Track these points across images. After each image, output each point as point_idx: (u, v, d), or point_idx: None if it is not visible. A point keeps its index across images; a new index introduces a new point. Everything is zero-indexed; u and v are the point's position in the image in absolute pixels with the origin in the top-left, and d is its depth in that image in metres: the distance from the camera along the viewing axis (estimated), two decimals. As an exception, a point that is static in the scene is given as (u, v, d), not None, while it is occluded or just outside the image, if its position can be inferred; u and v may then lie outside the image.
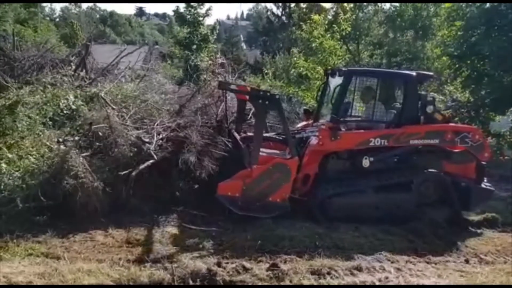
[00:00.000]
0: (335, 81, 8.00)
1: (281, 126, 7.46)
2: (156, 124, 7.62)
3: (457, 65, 13.79)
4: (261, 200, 6.87)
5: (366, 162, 7.26)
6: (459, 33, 13.71)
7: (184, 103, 8.40)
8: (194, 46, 17.14)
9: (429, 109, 7.61)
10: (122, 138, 6.86)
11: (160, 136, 7.35)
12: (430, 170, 7.51)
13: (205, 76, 11.46)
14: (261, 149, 7.22)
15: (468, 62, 13.02)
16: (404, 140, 7.39)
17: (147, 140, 7.20)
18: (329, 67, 9.09)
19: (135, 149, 7.00)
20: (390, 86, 8.15)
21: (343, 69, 7.67)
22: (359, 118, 7.87)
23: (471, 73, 12.68)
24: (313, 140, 7.44)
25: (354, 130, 7.55)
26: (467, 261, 6.28)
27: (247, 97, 7.29)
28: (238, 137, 7.89)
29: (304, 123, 8.52)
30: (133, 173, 6.70)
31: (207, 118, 8.40)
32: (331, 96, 8.05)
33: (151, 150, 6.97)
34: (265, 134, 7.79)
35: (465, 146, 7.62)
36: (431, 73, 9.52)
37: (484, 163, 7.83)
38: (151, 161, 6.95)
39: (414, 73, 7.92)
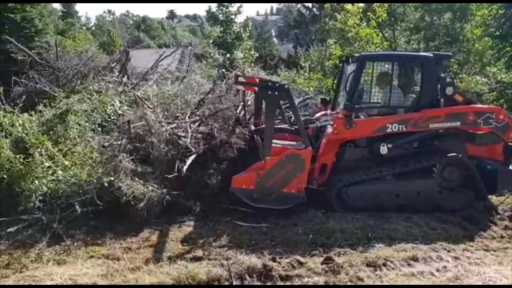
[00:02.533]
0: (350, 68, 7.86)
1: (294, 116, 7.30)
2: (187, 115, 7.72)
3: (500, 45, 13.32)
4: (276, 191, 6.79)
5: (384, 149, 7.07)
6: (500, 11, 13.25)
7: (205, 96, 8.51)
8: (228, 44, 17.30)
9: (449, 90, 7.30)
10: (159, 135, 6.97)
11: (193, 129, 7.46)
12: (453, 154, 7.22)
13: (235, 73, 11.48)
14: (276, 141, 7.18)
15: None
16: (423, 125, 7.16)
17: (182, 134, 7.31)
18: (343, 55, 8.79)
19: (171, 146, 7.11)
20: (406, 69, 7.90)
21: (356, 55, 7.49)
22: (377, 104, 7.63)
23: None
24: (329, 129, 7.33)
25: (373, 117, 7.36)
26: (528, 248, 6.09)
27: (256, 88, 7.23)
28: (252, 129, 7.89)
29: (322, 112, 8.39)
30: (184, 168, 6.78)
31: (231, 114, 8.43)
32: (346, 83, 7.85)
33: (188, 143, 7.05)
34: (280, 126, 7.74)
35: (489, 127, 7.31)
36: (449, 53, 9.20)
37: (511, 144, 7.46)
38: (194, 155, 7.04)
39: (431, 54, 7.64)
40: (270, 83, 7.03)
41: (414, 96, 7.52)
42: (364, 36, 13.37)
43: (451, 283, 4.95)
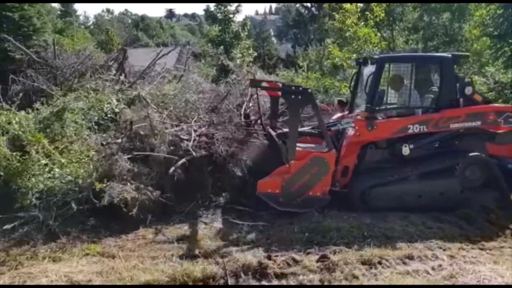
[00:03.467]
0: (368, 70, 7.87)
1: (316, 119, 7.35)
2: (193, 120, 7.72)
3: (498, 45, 13.31)
4: (302, 195, 6.84)
5: (406, 150, 7.10)
6: (498, 11, 13.25)
7: (218, 103, 8.48)
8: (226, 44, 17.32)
9: (468, 90, 7.34)
10: (162, 136, 6.98)
11: (197, 133, 7.43)
12: (474, 153, 7.26)
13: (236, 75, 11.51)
14: (298, 144, 7.16)
15: (510, 40, 12.53)
16: (444, 125, 7.20)
17: (185, 137, 7.31)
18: (360, 57, 8.82)
19: (173, 147, 7.13)
20: (425, 70, 7.91)
21: (375, 56, 7.51)
22: (396, 106, 7.67)
23: (513, 53, 12.21)
24: (350, 132, 7.35)
25: (392, 118, 7.37)
26: (524, 247, 6.11)
27: (279, 93, 7.26)
28: (273, 133, 7.88)
29: (340, 114, 8.40)
30: (170, 171, 6.81)
31: (238, 115, 8.43)
32: (365, 85, 7.89)
33: (189, 147, 7.06)
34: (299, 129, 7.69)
35: (509, 126, 7.37)
36: (467, 53, 9.18)
37: None
38: (185, 158, 7.05)
39: (449, 55, 7.65)
40: (293, 88, 7.06)
41: (433, 96, 7.55)
42: (362, 36, 13.38)
43: (446, 282, 4.95)
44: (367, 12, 14.45)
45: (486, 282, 4.85)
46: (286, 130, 7.58)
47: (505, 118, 7.34)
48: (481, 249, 5.95)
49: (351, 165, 7.28)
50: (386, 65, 7.53)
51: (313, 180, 6.86)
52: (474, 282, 4.86)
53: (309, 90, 7.10)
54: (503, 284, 4.83)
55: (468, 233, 6.41)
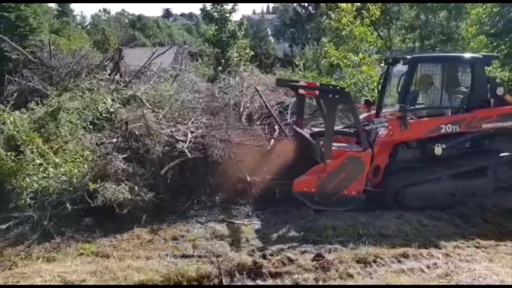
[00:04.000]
0: (397, 70, 7.95)
1: (353, 119, 7.38)
2: (190, 122, 7.71)
3: (494, 43, 13.34)
4: (337, 194, 6.83)
5: (438, 150, 7.10)
6: (494, 9, 13.28)
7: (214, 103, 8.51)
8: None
9: (499, 91, 7.40)
10: (157, 137, 6.98)
11: (194, 134, 7.42)
12: (506, 153, 7.31)
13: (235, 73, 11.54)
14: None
15: (506, 39, 12.57)
16: (476, 125, 7.25)
17: (181, 138, 7.30)
18: (389, 56, 8.88)
19: (169, 148, 7.12)
20: (456, 70, 7.93)
21: (408, 57, 7.50)
22: (426, 105, 7.69)
23: (510, 50, 12.22)
24: (383, 131, 7.37)
25: (423, 118, 7.41)
26: (519, 244, 6.10)
27: (317, 92, 7.29)
28: (303, 132, 7.92)
29: (366, 114, 8.39)
30: (162, 172, 6.82)
31: (237, 115, 8.45)
32: (396, 85, 7.87)
33: (184, 148, 7.05)
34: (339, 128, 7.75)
35: None
36: (496, 54, 9.23)
37: None
38: (179, 159, 7.06)
39: (480, 55, 7.73)
40: (330, 87, 7.08)
41: (464, 96, 7.57)
42: (358, 35, 13.37)
43: (441, 280, 4.94)
44: (363, 11, 14.44)
45: (481, 280, 4.83)
46: (316, 129, 7.67)
47: None
48: (477, 247, 5.94)
49: (382, 165, 7.28)
50: (419, 66, 7.55)
51: (349, 179, 6.85)
52: (469, 280, 4.85)
53: (346, 90, 7.14)
54: (498, 282, 4.82)
55: (463, 231, 6.40)
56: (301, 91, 7.87)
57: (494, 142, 7.45)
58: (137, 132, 7.22)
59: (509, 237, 6.30)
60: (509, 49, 12.82)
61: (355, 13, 14.04)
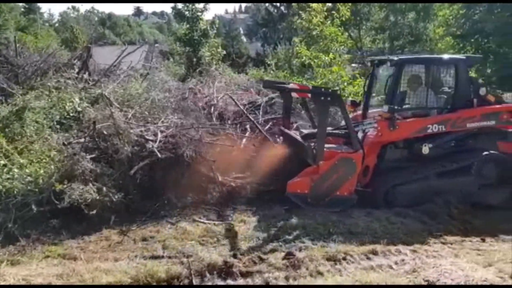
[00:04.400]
0: (383, 71, 8.18)
1: (344, 121, 7.47)
2: (160, 121, 7.62)
3: (460, 45, 13.70)
4: (329, 195, 6.94)
5: (425, 149, 7.28)
6: (461, 11, 13.62)
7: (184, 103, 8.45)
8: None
9: (482, 91, 7.66)
10: (126, 136, 6.87)
11: (164, 134, 7.34)
12: (490, 151, 7.55)
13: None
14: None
15: (472, 40, 12.92)
16: (461, 124, 7.47)
17: (150, 138, 7.21)
18: (375, 58, 9.11)
19: (138, 148, 7.02)
20: (441, 71, 8.14)
21: (394, 59, 7.68)
22: (413, 106, 7.86)
23: (475, 52, 12.57)
24: (371, 132, 7.52)
25: (409, 118, 7.58)
26: (483, 240, 6.29)
27: (309, 95, 7.49)
28: (292, 133, 8.01)
29: (352, 115, 8.50)
30: (131, 172, 6.73)
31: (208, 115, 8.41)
32: (383, 86, 8.11)
33: (154, 148, 6.97)
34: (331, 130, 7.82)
35: None
36: (479, 56, 9.56)
37: None
38: (149, 159, 6.96)
39: (463, 57, 7.98)
40: (322, 90, 7.23)
41: (449, 97, 7.78)
42: (329, 35, 13.51)
43: (408, 276, 5.03)
44: (333, 12, 14.61)
45: (447, 276, 4.93)
46: (305, 131, 7.78)
47: None
48: (443, 243, 6.10)
49: (371, 165, 7.42)
50: (406, 67, 7.72)
51: (341, 180, 6.96)
52: (435, 276, 4.95)
53: (338, 93, 7.29)
54: (463, 277, 4.93)
55: (430, 228, 6.55)
56: (293, 94, 7.93)
57: (478, 141, 7.71)
58: (105, 132, 7.07)
59: (474, 233, 6.50)
60: (475, 50, 13.17)
61: (325, 13, 14.17)
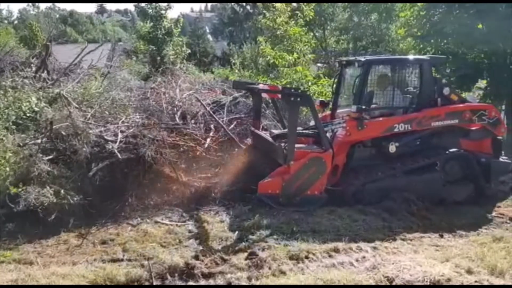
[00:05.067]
0: (351, 72, 8.33)
1: (314, 121, 7.62)
2: (121, 121, 7.48)
3: (421, 45, 13.97)
4: (300, 194, 7.01)
5: (392, 148, 7.46)
6: (421, 13, 13.89)
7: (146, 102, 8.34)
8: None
9: (446, 91, 7.90)
10: (85, 137, 6.70)
11: (125, 134, 7.20)
12: (454, 149, 7.79)
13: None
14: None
15: (432, 41, 13.20)
16: (426, 123, 7.66)
17: (110, 138, 7.06)
18: (342, 59, 9.25)
19: (98, 149, 6.87)
20: (407, 71, 8.31)
21: (362, 59, 7.81)
22: (379, 106, 8.00)
23: (435, 52, 12.86)
24: (340, 132, 7.62)
25: (376, 118, 7.74)
26: (441, 236, 6.44)
27: (279, 95, 7.68)
28: (262, 134, 8.03)
29: (321, 115, 8.54)
30: (90, 173, 6.61)
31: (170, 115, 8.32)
32: (352, 86, 8.17)
33: (114, 149, 6.83)
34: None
35: (482, 123, 7.97)
36: (443, 56, 9.84)
37: (500, 137, 8.22)
38: (108, 160, 6.86)
39: (427, 57, 8.23)
40: (292, 90, 7.32)
41: (414, 97, 7.97)
42: (293, 35, 13.60)
43: (368, 272, 5.11)
44: (297, 12, 14.71)
45: (406, 272, 5.02)
46: (276, 131, 7.89)
47: (479, 116, 7.95)
48: (403, 239, 6.21)
49: (340, 164, 7.52)
50: (372, 68, 7.86)
51: (311, 180, 7.04)
52: (394, 272, 5.03)
53: (308, 93, 7.27)
54: (421, 272, 5.03)
55: (390, 224, 6.67)
56: (264, 94, 8.05)
57: (442, 139, 7.93)
58: (63, 133, 6.88)
59: (433, 229, 6.65)
60: (435, 50, 13.47)
61: (289, 13, 14.25)
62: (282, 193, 6.92)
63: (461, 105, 7.99)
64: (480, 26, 11.96)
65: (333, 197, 7.28)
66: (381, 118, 7.72)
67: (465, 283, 4.77)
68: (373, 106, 7.83)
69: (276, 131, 7.92)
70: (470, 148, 8.06)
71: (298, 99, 7.04)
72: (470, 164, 7.86)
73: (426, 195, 7.45)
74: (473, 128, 8.09)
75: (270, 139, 7.66)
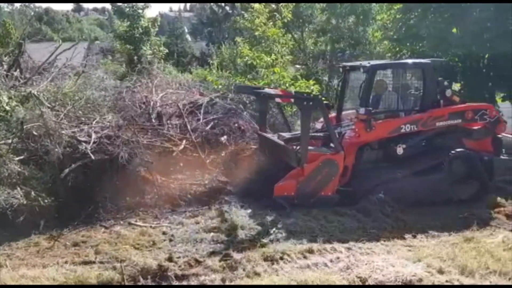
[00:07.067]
0: (354, 76, 8.57)
1: (324, 124, 7.80)
2: (95, 121, 7.36)
3: (397, 48, 14.15)
4: (314, 195, 7.18)
5: (400, 150, 7.66)
6: (397, 16, 14.06)
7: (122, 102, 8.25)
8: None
9: (448, 92, 8.15)
10: (57, 138, 6.58)
11: (98, 135, 7.09)
12: (458, 149, 7.92)
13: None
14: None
15: (407, 44, 13.38)
16: (431, 124, 7.85)
17: (83, 139, 6.95)
18: (346, 64, 9.48)
19: (71, 150, 6.75)
20: (409, 75, 8.58)
21: (367, 65, 8.01)
22: (386, 108, 8.21)
23: (411, 56, 13.04)
24: (349, 133, 7.83)
25: (381, 120, 7.88)
26: (414, 236, 6.51)
27: (292, 100, 8.04)
28: (273, 138, 8.18)
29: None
30: (62, 175, 6.51)
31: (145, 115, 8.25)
32: (355, 90, 8.38)
33: (88, 150, 6.73)
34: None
35: (484, 122, 8.19)
36: (444, 59, 10.07)
37: (500, 136, 8.46)
38: (81, 161, 6.75)
39: (429, 61, 8.46)
40: (305, 95, 7.62)
41: (418, 98, 8.20)
42: (271, 36, 13.62)
43: (342, 273, 5.14)
44: (275, 13, 14.74)
45: (379, 272, 5.08)
46: (287, 135, 7.97)
47: (481, 115, 8.18)
48: (376, 240, 6.26)
49: (350, 165, 7.67)
50: (378, 72, 8.11)
51: (325, 181, 7.25)
52: (368, 272, 5.07)
53: (319, 97, 7.67)
54: (393, 272, 5.08)
55: (365, 225, 6.72)
56: (277, 99, 8.26)
57: (446, 139, 8.10)
58: (35, 133, 6.73)
59: (406, 230, 6.70)
60: (410, 53, 13.65)
61: (268, 14, 14.25)
62: (297, 195, 7.09)
63: (463, 105, 8.23)
64: (454, 30, 12.18)
65: (344, 197, 7.43)
66: (387, 119, 7.94)
67: (436, 283, 4.86)
68: (381, 108, 8.09)
69: (287, 135, 8.06)
70: (474, 147, 8.26)
71: (310, 103, 7.36)
72: (474, 163, 8.03)
73: (434, 195, 7.61)
74: (475, 128, 8.32)
75: (281, 142, 7.81)
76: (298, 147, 7.37)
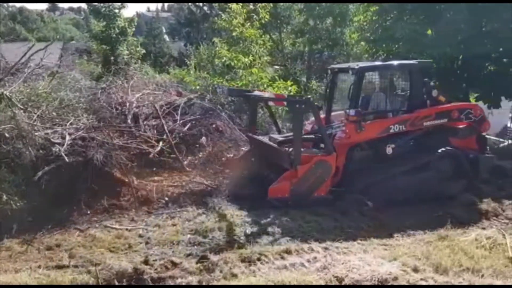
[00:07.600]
0: (343, 78, 8.75)
1: (315, 125, 8.02)
2: (68, 123, 7.23)
3: (373, 49, 14.28)
4: (308, 196, 7.29)
5: (389, 150, 7.79)
6: (374, 17, 14.20)
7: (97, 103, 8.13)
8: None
9: (435, 93, 8.32)
10: (30, 140, 6.44)
11: (73, 137, 6.97)
12: (445, 148, 8.08)
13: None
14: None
15: (384, 45, 13.51)
16: (419, 123, 8.02)
17: (57, 141, 6.82)
18: (334, 66, 9.66)
19: (44, 152, 6.62)
20: (397, 76, 8.74)
21: (355, 67, 8.08)
22: (374, 109, 8.32)
23: (386, 57, 13.19)
24: (339, 134, 7.91)
25: (369, 121, 7.97)
26: (390, 235, 6.59)
27: (285, 103, 8.22)
28: (264, 140, 8.21)
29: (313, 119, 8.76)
30: (36, 177, 6.40)
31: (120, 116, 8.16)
32: (344, 92, 8.49)
33: (61, 152, 6.61)
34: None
35: (469, 121, 8.40)
36: (429, 60, 10.21)
37: (484, 134, 8.69)
38: (55, 163, 6.65)
39: (416, 62, 8.65)
40: (297, 98, 7.71)
41: (405, 99, 8.35)
42: (249, 36, 13.61)
43: (319, 273, 5.15)
44: (253, 14, 14.73)
45: (355, 271, 5.11)
46: (279, 137, 8.03)
47: (466, 115, 8.41)
48: (353, 239, 6.32)
49: (341, 165, 7.74)
50: (366, 74, 8.20)
51: (318, 182, 7.36)
52: (344, 272, 5.10)
53: (311, 100, 7.74)
54: (369, 271, 5.13)
55: (342, 225, 6.77)
56: (270, 102, 8.38)
57: (433, 139, 8.25)
58: (7, 135, 6.56)
59: (383, 229, 6.79)
60: (386, 55, 13.80)
61: (245, 15, 14.22)
62: (291, 196, 7.16)
63: (449, 105, 8.40)
64: (429, 31, 12.37)
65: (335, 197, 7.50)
66: (376, 120, 8.05)
67: (411, 281, 4.91)
68: (370, 109, 8.20)
69: (279, 137, 8.11)
70: (459, 145, 8.44)
71: (303, 106, 7.41)
72: (460, 160, 8.22)
73: (423, 193, 7.72)
74: (461, 127, 8.52)
75: (274, 144, 7.84)
76: (291, 149, 7.45)
